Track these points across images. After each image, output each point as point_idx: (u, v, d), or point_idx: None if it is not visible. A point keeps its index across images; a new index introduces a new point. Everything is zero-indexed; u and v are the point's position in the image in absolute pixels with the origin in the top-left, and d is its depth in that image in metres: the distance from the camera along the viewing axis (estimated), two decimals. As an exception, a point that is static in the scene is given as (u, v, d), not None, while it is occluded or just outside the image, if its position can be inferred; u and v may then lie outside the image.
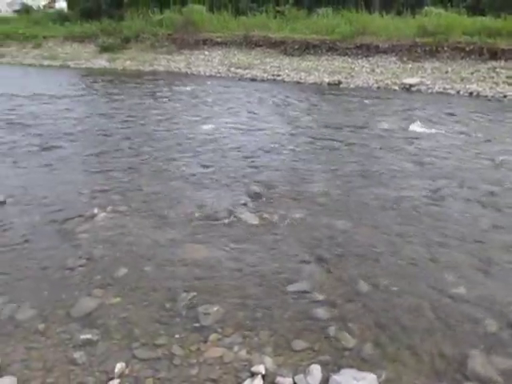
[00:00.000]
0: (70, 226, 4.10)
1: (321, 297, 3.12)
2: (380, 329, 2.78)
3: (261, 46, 18.76)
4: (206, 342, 2.64)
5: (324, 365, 2.44)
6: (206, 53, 19.76)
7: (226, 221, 4.32)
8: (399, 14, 19.39)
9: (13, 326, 2.75)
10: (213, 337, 2.68)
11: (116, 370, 2.36)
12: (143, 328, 2.74)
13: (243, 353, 2.56)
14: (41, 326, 2.73)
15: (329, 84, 14.48)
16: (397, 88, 13.43)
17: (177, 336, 2.68)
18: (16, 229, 4.05)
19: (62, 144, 7.02)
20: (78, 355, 2.48)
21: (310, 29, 18.44)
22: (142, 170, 5.81)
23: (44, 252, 3.66)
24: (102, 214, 4.32)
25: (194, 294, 3.09)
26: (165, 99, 11.56)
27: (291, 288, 3.22)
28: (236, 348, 2.60)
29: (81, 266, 3.43)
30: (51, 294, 3.08)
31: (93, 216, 4.28)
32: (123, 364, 2.41)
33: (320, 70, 15.78)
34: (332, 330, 2.77)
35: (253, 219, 4.34)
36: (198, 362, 2.48)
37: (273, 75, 16.00)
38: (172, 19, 21.86)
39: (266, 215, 4.42)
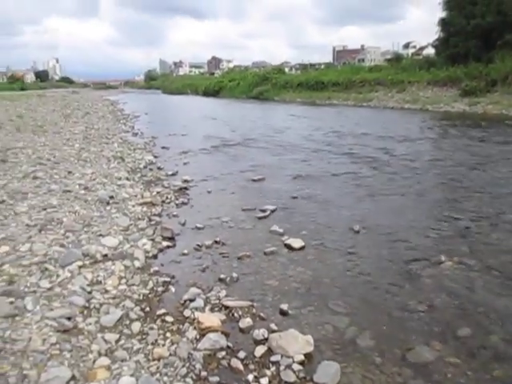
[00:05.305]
0: (415, 267, 4.10)
1: None
2: None
3: None
4: None
5: None
6: None
7: None
8: None
9: (353, 348, 2.93)
10: None
11: None
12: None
13: None
14: (378, 360, 2.80)
15: None
16: None
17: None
18: (364, 258, 4.37)
19: (410, 183, 7.24)
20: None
21: None
22: (497, 222, 5.25)
23: (387, 286, 3.78)
24: (448, 263, 4.13)
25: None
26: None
27: None
28: None
29: (421, 311, 3.35)
30: (390, 330, 3.13)
31: (439, 263, 4.15)
32: None
33: None
34: None
35: None
36: None
37: None
38: None
39: None
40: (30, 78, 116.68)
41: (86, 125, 16.25)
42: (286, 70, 57.57)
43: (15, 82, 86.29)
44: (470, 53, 25.44)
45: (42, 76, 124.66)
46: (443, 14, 29.13)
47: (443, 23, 28.98)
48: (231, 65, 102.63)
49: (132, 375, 2.58)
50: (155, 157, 10.20)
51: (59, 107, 26.39)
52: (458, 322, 3.20)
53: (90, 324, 3.04)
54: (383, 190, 6.91)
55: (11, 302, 3.11)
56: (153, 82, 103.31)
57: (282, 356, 2.79)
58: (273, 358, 2.79)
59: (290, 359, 2.75)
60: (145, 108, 30.01)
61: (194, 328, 3.09)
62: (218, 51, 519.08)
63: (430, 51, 39.91)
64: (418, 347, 2.91)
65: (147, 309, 3.38)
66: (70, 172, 7.59)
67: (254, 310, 3.38)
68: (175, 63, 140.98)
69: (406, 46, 79.07)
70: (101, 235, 4.64)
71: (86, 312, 3.19)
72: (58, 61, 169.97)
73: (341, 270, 4.08)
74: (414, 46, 76.74)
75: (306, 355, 2.79)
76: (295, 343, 2.84)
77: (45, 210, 5.32)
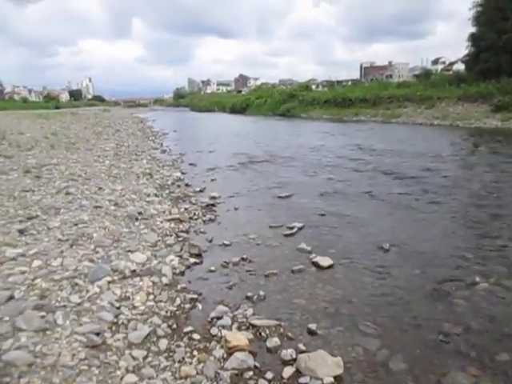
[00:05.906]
0: (448, 288, 3.96)
1: None
2: None
3: None
4: None
5: None
6: None
7: None
8: None
9: (385, 372, 2.83)
10: None
11: None
12: None
13: None
14: (410, 384, 2.69)
15: None
16: None
17: None
18: (395, 277, 4.25)
19: (442, 200, 7.07)
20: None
21: None
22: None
23: (418, 307, 3.66)
24: (484, 285, 3.96)
25: None
26: None
27: None
28: None
29: (456, 334, 3.22)
30: (423, 353, 3.01)
31: (474, 284, 3.99)
32: None
33: None
34: None
35: None
36: None
37: None
38: None
39: None
40: (64, 96, 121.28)
41: (117, 142, 16.62)
42: (313, 86, 57.77)
43: (50, 100, 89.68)
44: (502, 68, 24.98)
45: (75, 95, 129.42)
46: (473, 30, 28.84)
47: (473, 38, 28.63)
48: (258, 82, 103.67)
49: (159, 393, 2.56)
50: (183, 173, 10.31)
51: (91, 125, 27.15)
52: (495, 346, 3.06)
53: (118, 340, 3.05)
54: (414, 207, 6.76)
55: (42, 316, 3.15)
56: (181, 99, 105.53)
57: (310, 378, 2.72)
58: (301, 380, 2.72)
59: (319, 381, 2.68)
60: (173, 125, 30.56)
61: (221, 346, 3.06)
62: (245, 69, 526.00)
63: (460, 67, 39.42)
64: (454, 372, 2.79)
65: (174, 326, 3.37)
66: (100, 188, 7.74)
67: (282, 330, 3.32)
68: (203, 81, 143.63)
69: (435, 61, 78.24)
70: (129, 251, 4.68)
71: (114, 328, 3.20)
72: (90, 80, 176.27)
73: (370, 290, 3.98)
74: (444, 62, 75.88)
75: (335, 378, 2.71)
76: (324, 365, 2.77)
77: (76, 225, 5.43)
